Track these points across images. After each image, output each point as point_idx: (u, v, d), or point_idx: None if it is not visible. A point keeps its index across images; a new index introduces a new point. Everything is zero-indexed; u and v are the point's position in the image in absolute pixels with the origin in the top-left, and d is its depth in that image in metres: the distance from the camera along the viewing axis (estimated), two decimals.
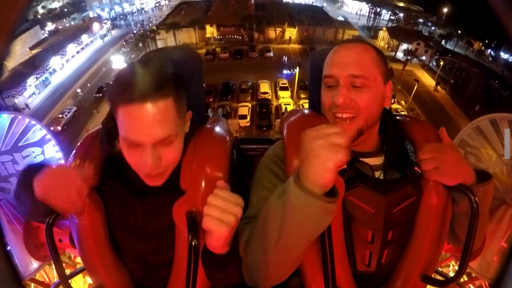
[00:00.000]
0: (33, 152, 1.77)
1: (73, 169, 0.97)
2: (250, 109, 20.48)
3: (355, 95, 0.95)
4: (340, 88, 0.95)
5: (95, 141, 1.04)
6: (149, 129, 0.83)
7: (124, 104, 0.82)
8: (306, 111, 1.09)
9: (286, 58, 28.61)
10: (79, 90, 25.48)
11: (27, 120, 1.75)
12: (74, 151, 1.06)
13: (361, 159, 1.00)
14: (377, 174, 1.01)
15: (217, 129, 1.07)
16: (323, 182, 0.73)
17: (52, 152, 1.82)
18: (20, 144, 1.73)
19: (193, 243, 0.84)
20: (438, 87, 26.34)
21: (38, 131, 1.79)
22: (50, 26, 35.87)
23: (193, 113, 1.15)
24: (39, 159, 1.78)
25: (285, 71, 25.39)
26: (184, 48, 1.25)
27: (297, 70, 22.31)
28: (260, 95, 22.31)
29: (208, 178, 0.95)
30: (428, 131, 1.07)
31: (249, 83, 23.69)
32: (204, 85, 1.27)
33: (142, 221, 1.01)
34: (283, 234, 0.80)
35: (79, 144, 1.07)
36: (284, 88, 22.46)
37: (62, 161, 1.81)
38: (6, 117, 1.71)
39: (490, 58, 31.71)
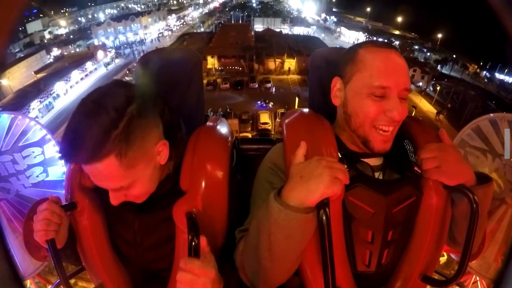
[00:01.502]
0: (33, 152, 1.78)
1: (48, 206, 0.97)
2: None
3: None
4: (397, 101, 0.90)
5: None
6: (102, 182, 0.87)
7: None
8: (305, 110, 1.09)
9: (274, 88, 29.94)
10: None
11: (27, 120, 1.78)
12: None
13: (362, 159, 1.00)
14: (377, 174, 1.00)
15: (218, 128, 1.07)
16: (309, 203, 0.78)
17: (52, 152, 1.84)
18: (20, 144, 1.74)
19: (193, 243, 0.83)
20: (440, 116, 26.42)
21: (38, 131, 1.81)
22: (55, 52, 37.06)
23: (193, 113, 1.16)
24: (39, 159, 1.80)
25: (259, 102, 26.51)
26: (184, 49, 1.28)
27: (296, 100, 22.93)
28: (260, 125, 22.49)
29: (209, 178, 0.95)
30: (428, 131, 1.07)
31: (249, 114, 24.05)
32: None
33: (141, 236, 1.02)
34: (274, 245, 0.83)
35: None
36: None
37: (62, 161, 1.80)
38: (6, 117, 1.73)
39: (485, 80, 32.40)
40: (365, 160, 1.00)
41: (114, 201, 0.90)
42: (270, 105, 25.72)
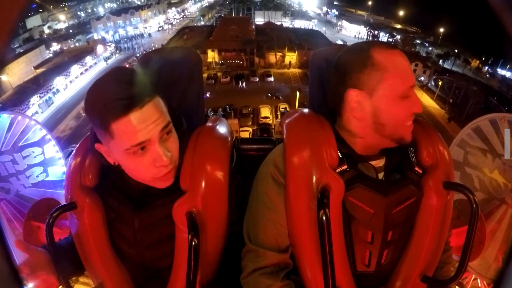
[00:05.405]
0: (33, 152, 1.78)
1: None
2: (251, 134, 20.20)
3: None
4: (416, 96, 0.93)
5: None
6: (153, 124, 0.83)
7: (121, 117, 0.80)
8: (305, 110, 1.08)
9: (274, 83, 29.83)
10: (82, 112, 25.81)
11: (27, 120, 1.78)
12: (74, 151, 1.06)
13: (367, 161, 1.00)
14: (380, 175, 1.00)
15: (218, 128, 1.07)
16: None
17: (52, 152, 1.85)
18: (20, 144, 1.75)
19: (193, 243, 0.84)
20: (452, 123, 25.47)
21: (38, 131, 1.81)
22: (55, 46, 36.95)
23: (193, 113, 1.15)
24: (39, 159, 1.80)
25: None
26: (184, 48, 1.27)
27: (297, 94, 23.01)
28: (261, 119, 22.38)
29: (209, 178, 0.95)
30: (428, 131, 1.07)
31: (250, 108, 23.94)
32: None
33: (141, 234, 1.01)
34: None
35: (78, 144, 1.07)
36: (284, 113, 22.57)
37: (62, 161, 1.82)
38: (6, 117, 1.73)
39: (487, 75, 32.23)
40: (369, 161, 1.00)
41: (164, 158, 0.87)
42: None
